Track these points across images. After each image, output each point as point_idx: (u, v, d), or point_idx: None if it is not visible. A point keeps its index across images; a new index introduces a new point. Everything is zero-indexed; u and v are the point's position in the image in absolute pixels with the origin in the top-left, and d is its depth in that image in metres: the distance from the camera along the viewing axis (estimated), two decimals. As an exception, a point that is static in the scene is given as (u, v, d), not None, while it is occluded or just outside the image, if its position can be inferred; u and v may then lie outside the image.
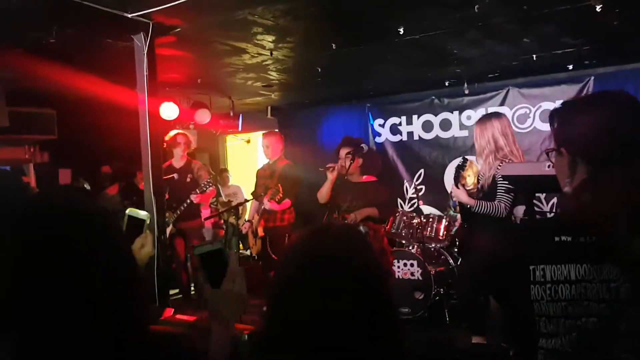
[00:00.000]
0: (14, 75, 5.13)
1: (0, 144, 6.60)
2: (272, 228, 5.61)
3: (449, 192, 6.62)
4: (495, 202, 3.77)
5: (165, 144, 6.00)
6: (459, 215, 6.01)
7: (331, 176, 4.76)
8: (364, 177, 4.89)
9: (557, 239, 1.29)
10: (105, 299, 1.02)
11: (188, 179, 6.01)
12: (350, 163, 4.71)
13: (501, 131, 3.91)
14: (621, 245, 1.21)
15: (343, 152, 4.81)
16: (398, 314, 1.25)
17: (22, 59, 4.70)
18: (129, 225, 1.84)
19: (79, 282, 1.02)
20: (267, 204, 5.49)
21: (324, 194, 4.83)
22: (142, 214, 1.82)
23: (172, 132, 6.13)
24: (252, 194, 6.10)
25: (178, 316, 3.14)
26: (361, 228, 4.60)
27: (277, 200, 5.32)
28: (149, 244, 1.83)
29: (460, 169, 4.03)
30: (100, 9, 3.67)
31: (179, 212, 5.82)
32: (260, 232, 5.69)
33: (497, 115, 4.13)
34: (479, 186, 4.05)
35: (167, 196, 5.89)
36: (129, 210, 1.87)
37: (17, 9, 3.58)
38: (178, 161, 6.10)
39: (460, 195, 3.90)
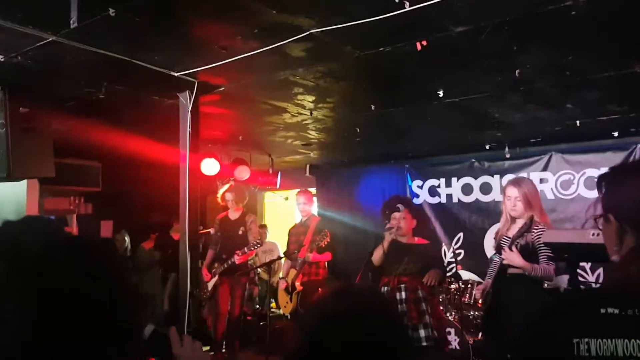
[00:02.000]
0: (63, 127, 5.34)
1: (46, 194, 6.80)
2: (307, 282, 5.59)
3: (489, 257, 6.47)
4: (545, 266, 3.63)
5: (219, 198, 6.30)
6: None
7: (390, 237, 4.55)
8: (417, 239, 4.63)
9: (603, 310, 1.21)
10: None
11: (240, 232, 6.05)
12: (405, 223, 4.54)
13: (536, 195, 3.82)
14: None
15: (400, 213, 4.60)
16: None
17: (71, 113, 4.90)
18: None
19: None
20: (309, 257, 5.48)
21: (380, 255, 4.56)
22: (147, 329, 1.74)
23: (222, 189, 6.29)
24: (284, 253, 6.10)
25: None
26: (419, 292, 4.33)
27: (323, 245, 5.28)
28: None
29: (529, 227, 3.74)
30: (149, 67, 3.81)
31: (225, 266, 5.84)
32: (299, 286, 5.64)
33: (529, 179, 4.06)
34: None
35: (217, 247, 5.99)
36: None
37: (70, 64, 3.76)
38: (233, 213, 6.21)
39: (515, 259, 3.65)
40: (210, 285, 5.85)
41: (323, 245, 5.37)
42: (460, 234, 7.00)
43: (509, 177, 6.61)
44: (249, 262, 7.47)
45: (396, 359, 1.17)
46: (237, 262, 5.82)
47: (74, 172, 6.53)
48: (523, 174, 6.46)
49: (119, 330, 1.09)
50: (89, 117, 5.02)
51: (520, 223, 3.79)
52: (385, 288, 4.38)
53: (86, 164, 6.71)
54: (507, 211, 3.92)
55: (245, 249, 5.75)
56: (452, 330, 5.23)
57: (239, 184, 6.69)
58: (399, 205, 4.60)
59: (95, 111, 4.92)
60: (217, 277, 5.88)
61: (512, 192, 3.84)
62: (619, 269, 1.29)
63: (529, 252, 3.69)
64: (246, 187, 6.80)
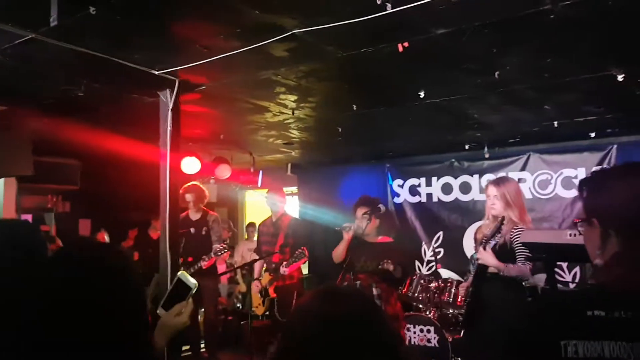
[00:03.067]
0: (41, 125, 5.26)
1: (24, 192, 6.71)
2: (281, 287, 5.52)
3: (469, 256, 6.53)
4: (521, 265, 3.66)
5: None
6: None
7: (347, 236, 4.72)
8: (380, 237, 4.84)
9: (589, 313, 1.23)
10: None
11: (204, 232, 5.97)
12: (367, 223, 4.67)
13: (516, 195, 3.85)
14: None
15: (360, 211, 4.77)
16: None
17: (50, 111, 4.83)
18: (174, 288, 1.82)
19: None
20: (285, 271, 5.39)
21: (339, 253, 4.78)
22: (192, 281, 1.78)
23: (181, 189, 6.00)
24: (255, 251, 6.03)
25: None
26: (373, 290, 4.49)
27: (295, 260, 5.28)
28: (187, 313, 1.79)
29: (499, 228, 3.78)
30: (129, 65, 3.77)
31: (192, 270, 5.72)
32: (272, 293, 5.59)
33: (511, 179, 4.10)
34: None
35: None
36: (180, 274, 1.86)
37: (49, 62, 3.71)
38: (194, 213, 6.08)
39: (488, 258, 3.66)
40: None
41: (301, 263, 5.35)
42: (440, 233, 7.06)
43: (488, 176, 6.69)
44: (228, 262, 7.45)
45: (384, 358, 1.17)
46: (204, 267, 5.68)
47: (52, 171, 6.45)
48: (502, 174, 6.54)
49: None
50: (68, 115, 4.95)
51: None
52: (345, 284, 4.50)
53: (65, 162, 6.63)
54: (488, 210, 3.97)
55: (212, 254, 5.65)
56: (432, 329, 5.26)
57: (199, 185, 6.48)
58: (362, 206, 4.79)
59: (75, 109, 4.85)
60: None
61: (492, 191, 3.89)
62: (603, 272, 1.32)
63: (506, 252, 3.73)
64: (226, 185, 6.74)
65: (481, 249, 3.74)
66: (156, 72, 3.95)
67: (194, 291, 1.76)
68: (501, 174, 6.56)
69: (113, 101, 4.77)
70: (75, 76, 4.08)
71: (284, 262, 5.38)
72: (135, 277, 1.27)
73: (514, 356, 1.31)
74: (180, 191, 5.83)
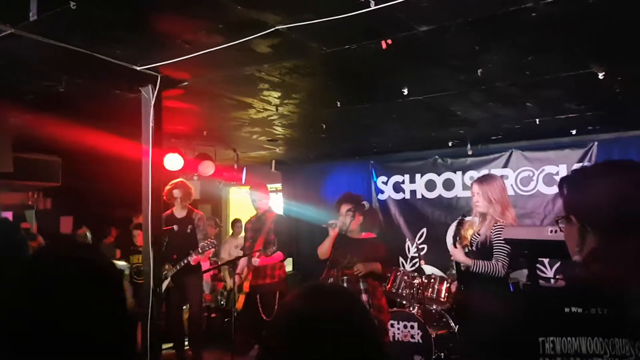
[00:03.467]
0: (22, 121, 5.20)
1: (4, 189, 6.62)
2: (262, 286, 5.50)
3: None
4: (493, 262, 3.71)
5: (164, 195, 5.97)
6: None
7: (333, 233, 4.74)
8: (363, 234, 4.87)
9: (567, 309, 1.24)
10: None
11: (189, 230, 5.91)
12: (351, 220, 4.69)
13: (499, 193, 3.90)
14: (632, 319, 1.16)
15: (344, 208, 4.79)
16: None
17: (30, 107, 4.76)
18: None
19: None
20: (256, 261, 5.41)
21: (324, 250, 4.79)
22: (121, 264, 1.76)
23: (169, 185, 5.95)
24: (242, 248, 6.03)
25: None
26: (360, 284, 4.56)
27: (268, 254, 5.29)
28: (127, 296, 1.77)
29: (459, 227, 4.02)
30: (111, 61, 3.73)
31: (178, 267, 5.69)
32: (246, 287, 5.58)
33: (495, 177, 4.15)
34: (473, 248, 3.98)
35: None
36: None
37: (29, 57, 3.66)
38: (179, 211, 6.02)
39: (458, 255, 3.85)
40: (162, 287, 5.68)
41: (267, 254, 5.35)
42: (424, 229, 7.10)
43: (471, 173, 6.76)
44: (212, 259, 7.41)
45: (370, 357, 1.17)
46: (192, 263, 5.65)
47: (33, 167, 6.38)
48: (484, 171, 6.59)
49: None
50: (48, 111, 4.89)
51: (487, 219, 3.87)
52: (330, 280, 4.59)
53: (45, 159, 6.55)
54: (474, 207, 4.04)
55: (199, 250, 5.62)
56: (416, 324, 5.30)
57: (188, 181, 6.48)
58: (345, 203, 4.83)
59: (55, 105, 4.79)
60: (168, 279, 5.67)
61: (475, 188, 3.96)
62: (581, 268, 1.33)
63: (486, 249, 3.79)
64: (210, 182, 6.70)
65: (452, 246, 3.90)
66: (138, 68, 3.91)
67: (127, 273, 1.72)
68: (484, 170, 6.61)
69: (94, 97, 4.72)
70: (56, 72, 4.03)
71: (257, 253, 5.38)
72: (118, 276, 1.26)
73: (494, 353, 1.32)
74: (168, 187, 5.83)
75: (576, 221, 1.37)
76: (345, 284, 4.54)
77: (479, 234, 3.90)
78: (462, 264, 3.86)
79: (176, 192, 5.90)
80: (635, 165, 1.36)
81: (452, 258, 3.90)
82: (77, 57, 3.58)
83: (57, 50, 3.42)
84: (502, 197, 3.89)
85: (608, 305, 1.20)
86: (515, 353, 1.29)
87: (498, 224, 3.77)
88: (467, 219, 4.16)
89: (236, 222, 8.64)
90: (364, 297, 4.53)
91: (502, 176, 6.38)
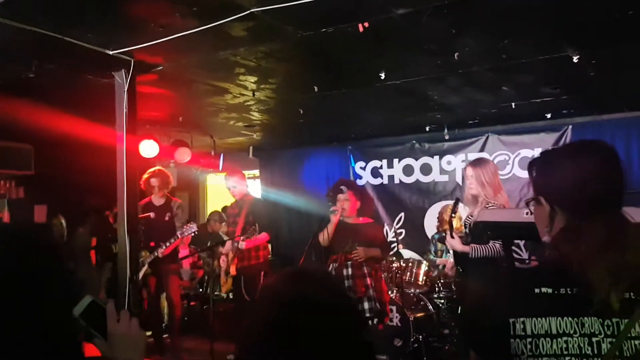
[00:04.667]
0: (-9, 108, 5.07)
1: (-26, 178, 6.48)
2: (247, 267, 5.50)
3: (429, 236, 6.64)
4: (490, 244, 3.76)
5: (142, 184, 5.91)
6: (438, 260, 6.00)
7: (335, 219, 4.79)
8: (361, 218, 4.93)
9: (537, 290, 1.26)
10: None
11: (167, 218, 5.87)
12: (348, 205, 4.78)
13: (492, 176, 3.96)
14: (599, 297, 1.18)
15: (344, 195, 4.82)
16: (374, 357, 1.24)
17: (0, 93, 4.64)
18: (88, 315, 1.42)
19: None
20: (242, 245, 5.41)
21: (327, 236, 4.81)
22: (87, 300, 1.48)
23: (146, 174, 5.91)
24: (226, 233, 6.03)
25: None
26: (364, 268, 4.70)
27: (249, 236, 5.30)
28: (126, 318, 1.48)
29: (453, 212, 4.09)
30: (82, 45, 3.64)
31: (156, 254, 5.65)
32: (233, 270, 5.58)
33: (488, 160, 4.23)
34: (467, 230, 4.05)
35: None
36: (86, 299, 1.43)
37: (-3, 42, 3.55)
38: (158, 199, 5.96)
39: (456, 245, 3.92)
40: (140, 274, 5.64)
41: (253, 236, 5.36)
42: (402, 214, 7.14)
43: (449, 157, 6.80)
44: (191, 247, 7.36)
45: (350, 341, 1.17)
46: (161, 255, 5.62)
47: (4, 155, 6.23)
48: (461, 155, 6.65)
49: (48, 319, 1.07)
50: (19, 97, 4.76)
51: (479, 202, 3.93)
52: (334, 265, 4.71)
53: (17, 147, 6.40)
54: (467, 190, 4.09)
55: (172, 240, 5.59)
56: (394, 308, 5.35)
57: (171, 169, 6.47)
58: (343, 187, 4.92)
59: (26, 91, 4.67)
60: (146, 266, 5.66)
61: (469, 171, 4.05)
62: (550, 250, 1.34)
63: (478, 232, 3.82)
64: (186, 169, 6.63)
65: (448, 236, 3.96)
66: (110, 52, 3.83)
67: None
68: (461, 155, 6.67)
69: (66, 82, 4.62)
70: (25, 56, 3.92)
71: (242, 237, 5.38)
72: (63, 263, 1.24)
73: (467, 336, 1.33)
74: (145, 176, 5.78)
75: (545, 202, 1.38)
76: (350, 269, 4.68)
77: (471, 216, 3.96)
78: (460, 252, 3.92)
79: (153, 181, 5.87)
80: (601, 145, 1.37)
81: (449, 248, 3.94)
82: (46, 41, 3.48)
83: (25, 34, 3.33)
84: (494, 180, 3.97)
85: (577, 285, 1.21)
86: (486, 334, 1.31)
87: (490, 205, 3.83)
88: (441, 203, 4.24)
89: (214, 214, 8.55)
90: (368, 280, 4.68)
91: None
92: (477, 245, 3.78)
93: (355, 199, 4.87)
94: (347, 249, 4.70)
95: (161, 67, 4.24)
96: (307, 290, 1.20)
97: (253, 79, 4.57)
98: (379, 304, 4.69)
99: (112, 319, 1.39)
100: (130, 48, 3.76)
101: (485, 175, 3.95)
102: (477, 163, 4.11)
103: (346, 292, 1.30)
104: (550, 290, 1.25)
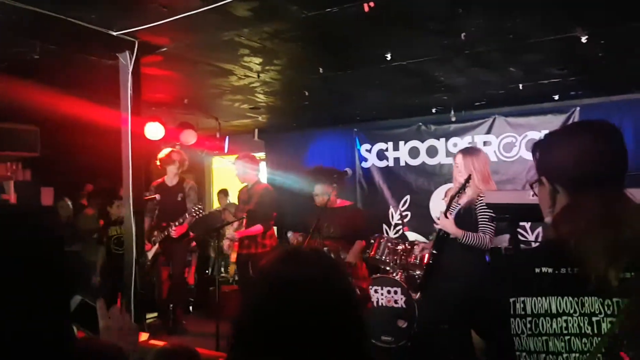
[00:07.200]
0: (-4, 90, 5.07)
1: (-19, 160, 6.51)
2: (254, 255, 5.50)
3: (434, 219, 6.62)
4: (480, 234, 3.73)
5: (159, 161, 5.98)
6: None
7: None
8: (339, 201, 4.88)
9: (537, 270, 1.26)
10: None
11: (179, 198, 5.92)
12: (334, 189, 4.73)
13: (482, 164, 3.90)
14: (598, 276, 1.17)
15: (321, 185, 4.78)
16: (369, 337, 1.25)
17: (4, 75, 4.64)
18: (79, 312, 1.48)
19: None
20: (234, 236, 5.45)
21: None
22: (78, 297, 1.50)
23: (167, 150, 6.04)
24: (234, 215, 6.06)
25: (152, 341, 3.05)
26: (341, 254, 4.63)
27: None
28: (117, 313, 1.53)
29: (463, 188, 3.91)
30: (85, 25, 3.63)
31: (166, 233, 5.71)
32: (233, 258, 5.61)
33: (479, 149, 4.16)
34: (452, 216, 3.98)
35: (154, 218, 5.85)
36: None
37: None
38: (171, 179, 6.02)
39: (448, 226, 3.77)
40: (150, 254, 5.69)
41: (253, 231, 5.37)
42: (407, 197, 7.13)
43: (455, 140, 6.76)
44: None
45: (347, 320, 1.18)
46: (174, 236, 5.68)
47: (10, 137, 6.25)
48: (468, 137, 6.61)
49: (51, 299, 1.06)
50: (23, 78, 4.76)
51: (467, 189, 3.86)
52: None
53: (22, 129, 6.41)
54: (455, 177, 4.02)
55: (181, 220, 5.64)
56: (399, 290, 5.36)
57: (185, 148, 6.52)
58: (323, 176, 4.80)
59: (30, 73, 4.67)
60: (157, 245, 5.77)
61: (459, 158, 3.95)
62: (551, 229, 1.34)
63: (471, 219, 3.79)
64: (192, 151, 6.65)
65: (442, 215, 3.83)
66: (114, 33, 3.81)
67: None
68: (467, 137, 6.62)
69: (71, 64, 4.61)
70: (28, 37, 3.91)
71: (233, 225, 5.42)
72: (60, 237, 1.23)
73: (466, 315, 1.33)
74: (166, 152, 5.98)
75: (547, 182, 1.37)
76: None
77: (458, 204, 3.90)
78: (449, 234, 3.83)
79: (175, 155, 5.99)
80: (604, 124, 1.36)
81: (438, 227, 3.84)
82: (49, 22, 3.47)
83: (28, 14, 3.32)
84: (484, 169, 3.89)
85: (577, 265, 1.21)
86: (487, 314, 1.31)
87: (481, 195, 3.77)
88: (446, 186, 4.18)
89: (221, 192, 8.61)
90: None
91: (485, 142, 6.44)
92: (470, 232, 3.75)
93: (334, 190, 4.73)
94: (324, 235, 4.63)
95: (165, 49, 4.22)
96: (300, 270, 1.21)
97: (258, 60, 4.54)
98: (358, 289, 4.58)
99: (103, 317, 1.43)
100: (134, 29, 3.74)
101: (476, 163, 3.85)
102: (468, 151, 4.01)
103: (341, 272, 1.29)
104: (550, 270, 1.24)
